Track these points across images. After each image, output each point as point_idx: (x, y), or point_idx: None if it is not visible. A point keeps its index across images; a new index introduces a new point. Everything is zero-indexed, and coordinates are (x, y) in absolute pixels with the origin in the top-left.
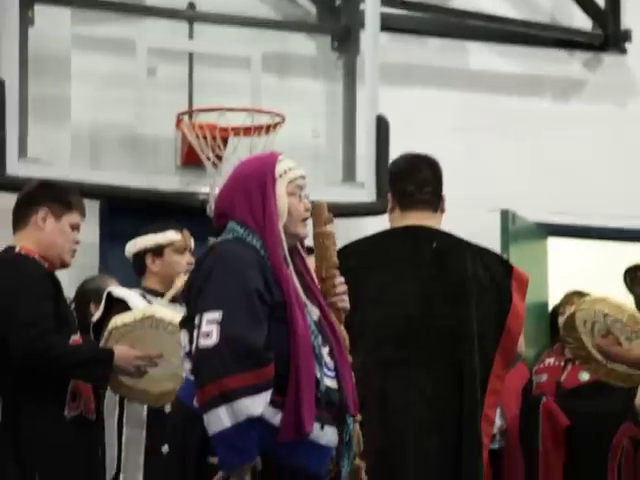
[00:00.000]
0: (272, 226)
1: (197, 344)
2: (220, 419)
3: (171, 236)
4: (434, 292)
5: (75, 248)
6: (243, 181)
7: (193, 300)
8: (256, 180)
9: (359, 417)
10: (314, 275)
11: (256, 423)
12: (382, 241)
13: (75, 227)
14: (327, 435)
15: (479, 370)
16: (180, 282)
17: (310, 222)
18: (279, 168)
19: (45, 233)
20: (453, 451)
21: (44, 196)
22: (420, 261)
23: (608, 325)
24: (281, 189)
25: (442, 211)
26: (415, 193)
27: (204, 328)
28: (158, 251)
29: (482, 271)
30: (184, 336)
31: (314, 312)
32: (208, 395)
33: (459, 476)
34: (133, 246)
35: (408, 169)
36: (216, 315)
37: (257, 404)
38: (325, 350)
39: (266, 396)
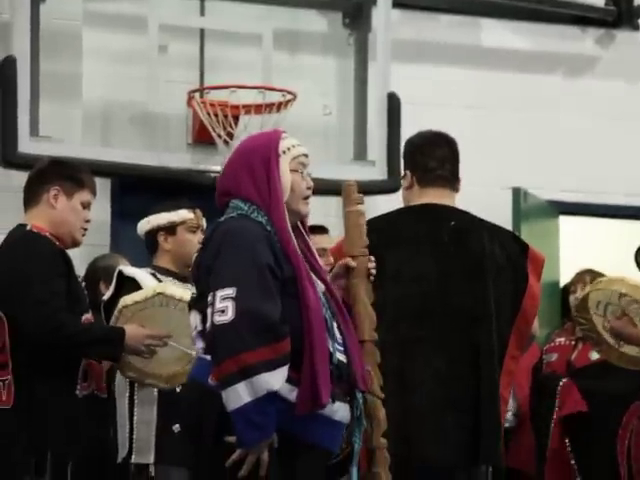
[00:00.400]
0: (277, 201)
1: (213, 321)
2: (239, 395)
3: (184, 214)
4: (451, 270)
5: (86, 226)
6: (247, 158)
7: (203, 279)
8: (260, 156)
9: (382, 395)
10: (316, 253)
11: (274, 398)
12: (399, 219)
13: (86, 205)
14: (340, 411)
15: (497, 350)
16: None
17: (311, 199)
18: (283, 145)
19: (57, 211)
20: (470, 431)
21: (55, 174)
22: (438, 239)
23: (623, 306)
24: (284, 165)
25: (457, 191)
26: (437, 169)
27: (218, 305)
28: (171, 229)
29: (499, 250)
30: (194, 317)
31: (320, 287)
32: (226, 371)
33: (477, 456)
34: (146, 224)
35: (429, 145)
36: (230, 292)
37: (276, 379)
38: (335, 324)
39: (284, 370)
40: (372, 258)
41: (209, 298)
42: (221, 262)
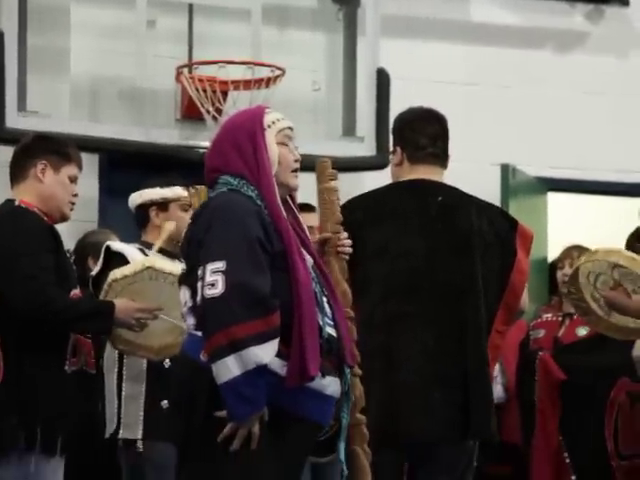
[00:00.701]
0: (266, 174)
1: (203, 295)
2: (229, 368)
3: (178, 192)
4: (439, 246)
5: (74, 201)
6: (233, 134)
7: (193, 254)
8: (245, 131)
9: (359, 371)
10: (305, 228)
11: (264, 372)
12: (388, 195)
13: (73, 179)
14: (331, 385)
15: (484, 325)
16: (169, 227)
17: (296, 174)
18: (267, 119)
19: (44, 186)
20: (459, 407)
21: (42, 149)
22: (426, 215)
23: (615, 278)
24: (271, 138)
25: (445, 168)
26: (428, 146)
27: (208, 279)
28: (163, 205)
29: (487, 226)
30: (184, 292)
31: (309, 261)
32: (216, 344)
33: (466, 432)
34: (138, 197)
35: (420, 122)
36: (220, 265)
37: (265, 352)
38: (324, 299)
39: (274, 344)
40: (345, 235)
41: (199, 272)
42: (211, 236)
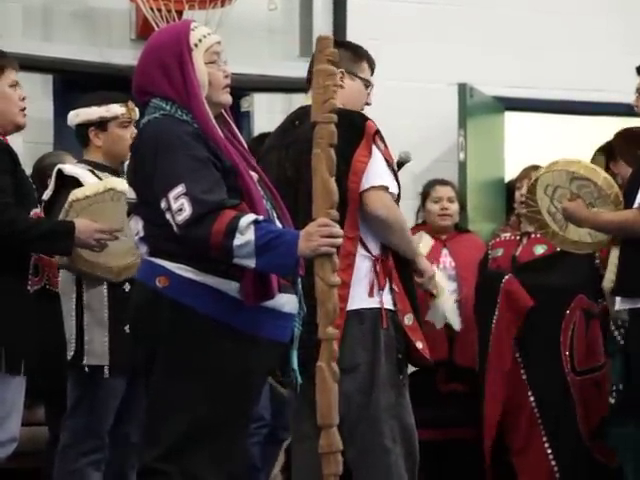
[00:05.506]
0: (196, 98)
1: (177, 223)
2: (247, 240)
3: (115, 110)
4: (285, 164)
5: (23, 106)
6: (157, 54)
7: (141, 185)
8: (171, 52)
9: (334, 281)
10: (242, 140)
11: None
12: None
13: (14, 85)
14: (289, 302)
15: None
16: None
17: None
18: (194, 37)
19: None
20: None
21: None
22: (286, 137)
23: (574, 191)
24: (199, 60)
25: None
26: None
27: (175, 205)
28: (102, 125)
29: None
30: (136, 222)
31: (254, 177)
32: (219, 245)
33: None
34: (75, 117)
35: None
36: (180, 189)
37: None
38: (274, 214)
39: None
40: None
41: (163, 204)
42: (162, 165)
